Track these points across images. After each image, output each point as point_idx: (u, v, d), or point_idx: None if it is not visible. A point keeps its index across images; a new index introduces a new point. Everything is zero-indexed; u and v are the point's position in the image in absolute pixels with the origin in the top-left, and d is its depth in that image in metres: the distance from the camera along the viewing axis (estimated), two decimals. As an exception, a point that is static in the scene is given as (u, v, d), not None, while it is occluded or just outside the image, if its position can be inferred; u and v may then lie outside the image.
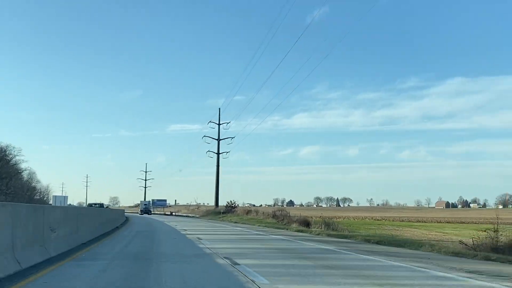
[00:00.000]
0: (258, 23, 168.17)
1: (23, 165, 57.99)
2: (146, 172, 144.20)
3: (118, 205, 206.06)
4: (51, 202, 52.24)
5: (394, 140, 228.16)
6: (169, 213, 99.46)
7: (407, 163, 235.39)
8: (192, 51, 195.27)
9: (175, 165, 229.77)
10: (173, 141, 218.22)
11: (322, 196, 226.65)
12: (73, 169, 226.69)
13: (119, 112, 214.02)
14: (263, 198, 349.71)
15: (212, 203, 72.81)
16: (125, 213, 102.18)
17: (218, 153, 70.51)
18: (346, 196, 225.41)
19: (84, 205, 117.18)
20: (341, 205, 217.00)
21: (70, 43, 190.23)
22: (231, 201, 63.54)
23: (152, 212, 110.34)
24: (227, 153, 71.49)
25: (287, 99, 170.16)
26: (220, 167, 69.85)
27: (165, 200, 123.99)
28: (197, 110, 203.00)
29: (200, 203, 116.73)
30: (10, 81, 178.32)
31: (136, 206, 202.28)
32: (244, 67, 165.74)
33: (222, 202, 66.98)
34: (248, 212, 53.10)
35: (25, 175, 69.13)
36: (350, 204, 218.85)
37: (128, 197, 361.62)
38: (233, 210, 59.29)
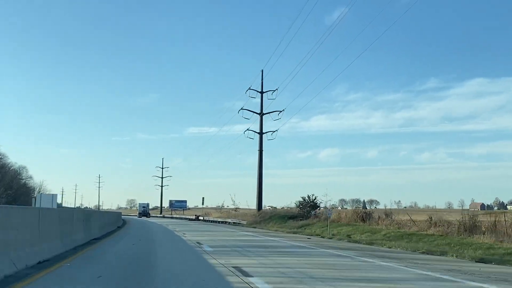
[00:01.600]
0: (276, 24, 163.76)
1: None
2: (162, 168, 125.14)
3: (135, 208, 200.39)
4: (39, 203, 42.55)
5: (413, 142, 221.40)
6: (193, 217, 75.65)
7: (428, 165, 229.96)
8: (209, 53, 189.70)
9: (194, 167, 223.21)
10: (191, 143, 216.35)
11: (347, 198, 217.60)
12: (91, 173, 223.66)
13: (137, 116, 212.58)
14: (283, 200, 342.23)
15: (244, 205, 64.40)
16: (135, 216, 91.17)
17: (261, 133, 52.66)
18: (373, 198, 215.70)
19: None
20: (367, 207, 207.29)
21: (89, 49, 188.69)
22: (309, 197, 42.58)
23: (150, 215, 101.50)
24: (274, 133, 53.96)
25: (305, 101, 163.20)
26: (263, 155, 53.32)
27: (184, 202, 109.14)
28: (215, 113, 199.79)
29: (236, 206, 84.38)
30: (30, 86, 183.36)
31: (154, 209, 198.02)
32: (262, 68, 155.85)
33: (247, 205, 60.30)
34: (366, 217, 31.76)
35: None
36: (377, 206, 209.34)
37: (146, 199, 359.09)
38: (316, 213, 39.98)
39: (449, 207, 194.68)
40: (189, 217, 78.80)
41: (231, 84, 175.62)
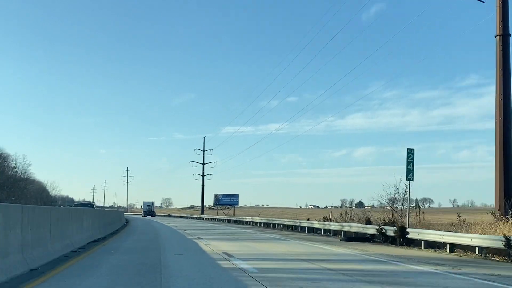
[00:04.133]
0: (311, 21, 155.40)
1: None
2: (204, 151, 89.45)
3: (170, 207, 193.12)
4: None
5: (452, 140, 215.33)
6: (248, 218, 44.92)
7: (468, 163, 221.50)
8: (244, 53, 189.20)
9: (232, 167, 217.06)
10: (227, 143, 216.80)
11: (398, 196, 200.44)
12: (130, 172, 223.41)
13: (173, 116, 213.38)
14: (324, 199, 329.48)
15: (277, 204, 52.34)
16: (171, 216, 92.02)
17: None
18: (426, 197, 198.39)
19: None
20: (421, 206, 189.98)
21: (126, 50, 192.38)
22: None
23: (155, 214, 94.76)
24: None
25: (341, 99, 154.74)
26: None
27: (235, 196, 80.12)
28: (250, 112, 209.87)
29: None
30: (72, 87, 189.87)
31: (190, 208, 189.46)
32: (298, 67, 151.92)
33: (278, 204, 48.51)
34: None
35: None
36: (431, 205, 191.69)
37: (182, 198, 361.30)
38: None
39: None
40: (244, 219, 45.67)
41: (266, 83, 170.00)
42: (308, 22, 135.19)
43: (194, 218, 75.01)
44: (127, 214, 77.96)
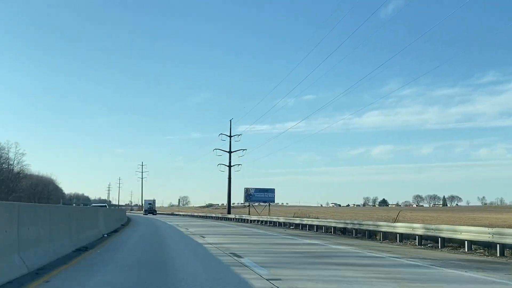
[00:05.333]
0: (329, 18, 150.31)
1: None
2: (231, 136, 66.43)
3: (187, 205, 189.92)
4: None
5: (471, 137, 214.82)
6: (296, 219, 32.30)
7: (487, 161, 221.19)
8: (261, 51, 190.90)
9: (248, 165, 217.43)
10: (243, 141, 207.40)
11: (423, 194, 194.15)
12: (145, 168, 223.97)
13: (190, 115, 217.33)
14: (344, 198, 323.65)
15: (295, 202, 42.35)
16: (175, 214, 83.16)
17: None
18: (454, 194, 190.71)
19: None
20: (448, 204, 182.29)
21: (143, 48, 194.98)
22: None
23: (156, 212, 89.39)
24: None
25: (358, 97, 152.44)
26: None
27: (271, 191, 62.15)
28: (266, 110, 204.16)
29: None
30: (89, 87, 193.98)
31: (208, 206, 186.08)
32: (314, 65, 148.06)
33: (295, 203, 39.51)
34: None
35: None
36: (459, 203, 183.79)
37: (199, 197, 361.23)
38: None
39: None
40: (293, 220, 32.23)
41: (283, 81, 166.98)
42: (325, 20, 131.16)
43: (217, 218, 57.47)
44: (130, 213, 76.60)
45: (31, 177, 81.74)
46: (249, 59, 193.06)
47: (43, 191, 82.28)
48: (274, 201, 63.04)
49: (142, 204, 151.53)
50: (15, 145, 75.95)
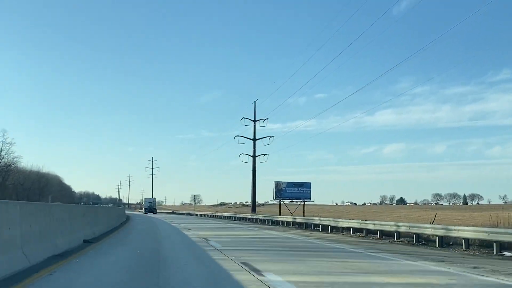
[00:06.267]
0: (340, 16, 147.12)
1: None
2: (255, 120, 58.29)
3: (200, 204, 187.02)
4: None
5: (484, 136, 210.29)
6: (355, 224, 24.53)
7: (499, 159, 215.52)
8: (272, 49, 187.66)
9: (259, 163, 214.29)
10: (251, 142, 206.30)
11: (443, 192, 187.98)
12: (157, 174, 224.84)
13: (201, 113, 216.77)
14: (358, 196, 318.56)
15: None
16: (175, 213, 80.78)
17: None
18: (475, 192, 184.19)
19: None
20: (469, 203, 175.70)
21: (153, 47, 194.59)
22: None
23: (156, 211, 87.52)
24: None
25: (369, 95, 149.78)
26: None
27: (307, 185, 50.10)
28: (277, 109, 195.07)
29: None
30: (97, 86, 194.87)
31: (220, 205, 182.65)
32: (325, 63, 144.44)
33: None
34: None
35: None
36: (480, 202, 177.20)
37: (211, 196, 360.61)
38: None
39: None
40: (338, 222, 26.14)
41: (293, 79, 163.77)
42: (337, 17, 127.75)
43: (234, 219, 50.28)
44: (139, 212, 74.15)
45: (31, 172, 79.14)
46: (260, 57, 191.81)
47: (44, 187, 78.76)
48: (310, 198, 49.06)
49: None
50: (2, 133, 66.90)
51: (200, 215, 70.51)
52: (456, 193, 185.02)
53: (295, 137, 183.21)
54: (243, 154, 55.37)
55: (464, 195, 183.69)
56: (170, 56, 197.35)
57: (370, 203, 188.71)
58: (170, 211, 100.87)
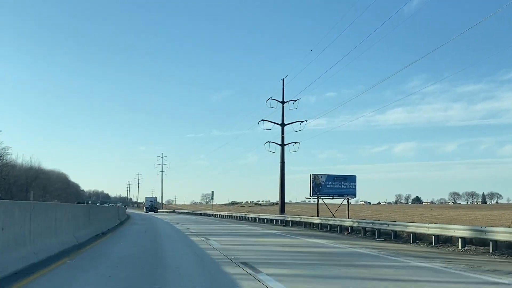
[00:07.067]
0: (351, 14, 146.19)
1: None
2: (283, 102, 47.88)
3: (210, 203, 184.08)
4: None
5: (496, 134, 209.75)
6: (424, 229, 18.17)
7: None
8: (281, 48, 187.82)
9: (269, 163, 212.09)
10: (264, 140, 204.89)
11: (461, 191, 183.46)
12: (167, 171, 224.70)
13: (211, 113, 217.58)
14: (372, 195, 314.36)
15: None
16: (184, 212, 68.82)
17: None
18: (494, 191, 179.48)
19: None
20: (488, 202, 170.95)
21: (164, 47, 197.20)
22: None
23: (157, 211, 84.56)
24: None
25: (380, 94, 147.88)
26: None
27: (352, 179, 39.99)
28: (287, 108, 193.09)
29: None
30: (109, 86, 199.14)
31: (232, 204, 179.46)
32: (335, 61, 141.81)
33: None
34: None
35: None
36: (499, 201, 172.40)
37: (222, 195, 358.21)
38: None
39: None
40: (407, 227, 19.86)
41: (304, 78, 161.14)
42: (347, 15, 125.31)
43: (254, 220, 43.50)
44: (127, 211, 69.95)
45: (42, 171, 76.38)
46: (270, 57, 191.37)
47: (32, 182, 75.26)
48: (355, 195, 39.69)
49: (161, 200, 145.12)
50: None
51: (220, 216, 57.56)
52: (474, 192, 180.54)
53: (305, 136, 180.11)
54: (269, 142, 45.96)
55: (483, 193, 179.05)
56: (182, 57, 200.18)
57: (385, 202, 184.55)
58: (181, 210, 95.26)
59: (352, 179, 40.01)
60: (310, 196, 39.18)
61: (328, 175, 39.84)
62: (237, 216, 51.17)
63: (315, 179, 39.17)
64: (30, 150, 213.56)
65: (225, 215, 56.53)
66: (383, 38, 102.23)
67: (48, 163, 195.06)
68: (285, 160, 45.74)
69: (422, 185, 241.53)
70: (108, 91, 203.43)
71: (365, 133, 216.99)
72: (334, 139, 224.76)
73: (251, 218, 45.87)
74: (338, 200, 39.38)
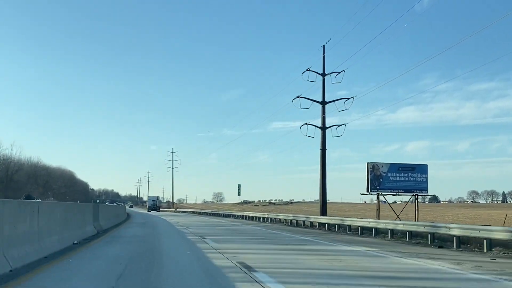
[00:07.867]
0: (362, 12, 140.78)
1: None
2: (324, 75, 36.72)
3: (221, 202, 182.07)
4: None
5: (509, 132, 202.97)
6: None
7: None
8: (292, 46, 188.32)
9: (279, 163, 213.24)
10: (276, 138, 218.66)
11: (480, 189, 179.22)
12: (178, 169, 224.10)
13: (222, 112, 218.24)
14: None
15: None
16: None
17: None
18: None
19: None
20: (508, 200, 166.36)
21: (174, 47, 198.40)
22: None
23: (160, 210, 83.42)
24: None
25: (392, 92, 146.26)
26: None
27: (422, 170, 31.87)
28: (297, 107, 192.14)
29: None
30: (120, 86, 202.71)
31: (243, 203, 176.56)
32: (345, 58, 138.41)
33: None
34: None
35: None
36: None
37: (234, 194, 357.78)
38: None
39: None
40: None
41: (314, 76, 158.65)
42: (358, 13, 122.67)
43: (285, 224, 34.10)
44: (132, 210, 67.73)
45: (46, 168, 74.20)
46: (280, 55, 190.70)
47: (31, 178, 72.87)
48: (427, 190, 32.15)
49: (172, 198, 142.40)
50: None
51: (253, 219, 43.22)
52: (494, 190, 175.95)
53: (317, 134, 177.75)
54: (308, 124, 36.94)
55: (503, 192, 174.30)
56: (192, 56, 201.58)
57: (401, 201, 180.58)
58: (193, 210, 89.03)
59: (422, 169, 31.81)
60: (368, 191, 31.22)
61: (392, 164, 31.74)
62: (289, 221, 34.76)
63: (373, 169, 30.99)
64: (38, 149, 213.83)
65: (266, 218, 40.51)
66: (395, 36, 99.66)
67: (58, 163, 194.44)
68: (326, 148, 36.20)
69: (438, 184, 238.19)
70: (120, 91, 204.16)
71: (377, 131, 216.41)
72: (346, 138, 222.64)
73: (310, 223, 30.51)
74: (392, 197, 32.72)
